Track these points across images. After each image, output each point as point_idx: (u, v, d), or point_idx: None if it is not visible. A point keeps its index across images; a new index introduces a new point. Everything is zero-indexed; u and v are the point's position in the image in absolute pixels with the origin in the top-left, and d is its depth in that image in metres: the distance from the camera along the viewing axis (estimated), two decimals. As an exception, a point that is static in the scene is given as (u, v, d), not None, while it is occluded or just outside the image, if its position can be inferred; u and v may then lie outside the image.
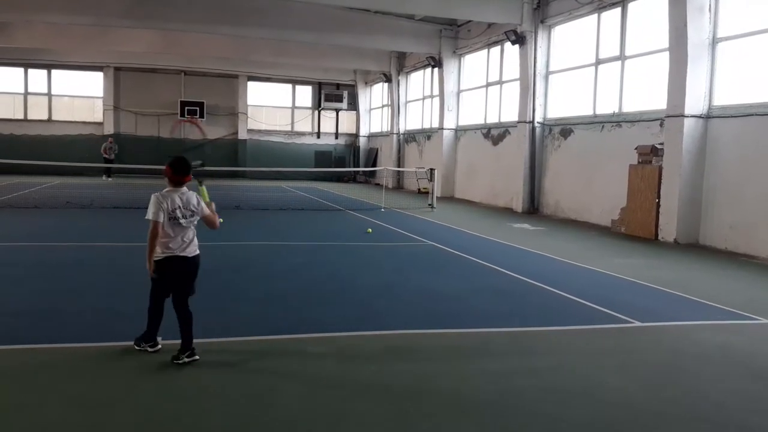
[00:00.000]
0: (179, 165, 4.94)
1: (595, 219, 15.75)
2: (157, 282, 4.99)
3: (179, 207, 4.86)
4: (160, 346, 5.13)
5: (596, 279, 8.90)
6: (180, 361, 4.85)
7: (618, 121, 15.14)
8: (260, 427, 3.89)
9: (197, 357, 4.93)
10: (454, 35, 23.47)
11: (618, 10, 15.21)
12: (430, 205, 18.89)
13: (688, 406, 4.46)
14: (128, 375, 4.64)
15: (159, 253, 4.87)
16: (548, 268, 9.52)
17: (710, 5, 12.31)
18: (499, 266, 9.46)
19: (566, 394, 4.54)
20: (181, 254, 4.91)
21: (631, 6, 14.93)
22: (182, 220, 4.86)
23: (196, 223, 5.03)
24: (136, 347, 5.14)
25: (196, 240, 5.04)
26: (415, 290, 7.79)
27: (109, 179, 27.44)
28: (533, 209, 18.33)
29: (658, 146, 13.17)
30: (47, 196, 18.58)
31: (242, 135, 33.27)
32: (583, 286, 8.20)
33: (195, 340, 5.05)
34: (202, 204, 5.09)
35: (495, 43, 20.89)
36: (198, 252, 5.06)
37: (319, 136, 34.71)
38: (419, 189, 24.53)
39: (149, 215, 4.81)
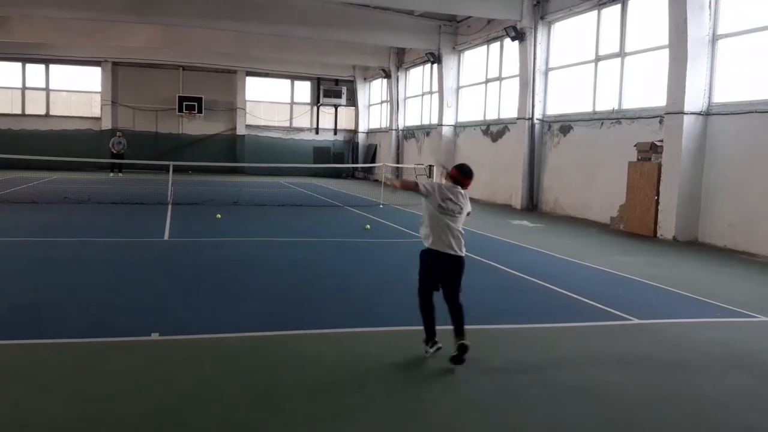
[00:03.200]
0: (465, 170, 5.26)
1: (594, 216, 15.74)
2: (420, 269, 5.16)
3: (450, 199, 5.01)
4: (440, 346, 5.05)
5: (595, 276, 8.89)
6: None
7: (617, 117, 15.12)
8: (260, 422, 3.87)
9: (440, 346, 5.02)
10: (454, 31, 23.41)
11: (618, 7, 15.17)
12: (429, 201, 18.83)
13: (688, 404, 4.45)
14: (127, 370, 4.62)
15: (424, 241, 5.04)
16: (547, 265, 9.51)
17: (710, 2, 12.28)
18: (497, 263, 9.45)
19: (565, 391, 4.53)
20: (437, 248, 4.99)
21: (631, 2, 14.89)
22: (449, 212, 4.97)
23: (460, 224, 5.06)
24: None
25: (461, 241, 5.03)
26: (414, 287, 7.75)
27: (113, 174, 27.13)
28: (532, 206, 18.31)
29: (658, 143, 13.15)
30: (45, 191, 18.52)
31: (240, 131, 33.20)
32: (582, 284, 8.19)
33: (189, 336, 5.01)
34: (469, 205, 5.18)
35: (494, 39, 20.83)
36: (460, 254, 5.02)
37: (317, 132, 34.65)
38: (418, 185, 24.47)
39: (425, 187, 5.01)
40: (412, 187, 5.15)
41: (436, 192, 4.99)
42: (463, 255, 5.05)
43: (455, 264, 5.03)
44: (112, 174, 27.41)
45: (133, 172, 28.63)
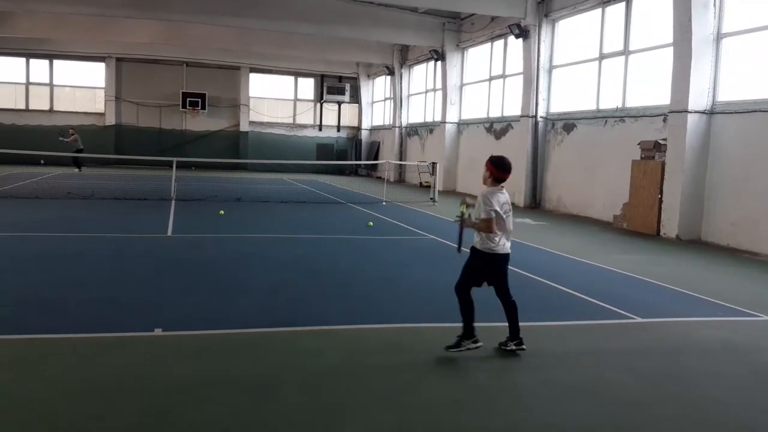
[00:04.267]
0: (502, 163, 5.11)
1: (597, 214, 15.73)
2: (473, 272, 5.12)
3: (506, 203, 5.06)
4: (480, 343, 5.15)
5: (598, 274, 8.89)
6: (507, 348, 5.15)
7: (621, 116, 15.09)
8: (260, 418, 3.88)
9: (524, 347, 5.15)
10: (458, 28, 23.38)
11: (622, 5, 15.14)
12: (431, 199, 18.86)
13: (689, 403, 4.45)
14: (130, 365, 4.63)
15: (482, 244, 5.03)
16: (550, 263, 9.51)
17: (715, 0, 12.24)
18: (500, 261, 9.42)
19: (566, 390, 4.53)
20: (502, 251, 5.09)
21: (635, 0, 14.85)
22: (507, 217, 5.03)
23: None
24: (453, 350, 5.06)
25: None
26: (416, 284, 7.78)
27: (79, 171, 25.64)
28: (535, 204, 18.29)
29: (661, 142, 13.13)
30: (48, 187, 18.57)
31: (244, 127, 33.23)
32: (585, 282, 8.19)
33: (192, 332, 5.03)
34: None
35: (498, 37, 20.80)
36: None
37: (321, 129, 34.65)
38: (421, 183, 24.49)
39: (484, 214, 4.94)
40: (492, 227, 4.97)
41: (500, 208, 5.00)
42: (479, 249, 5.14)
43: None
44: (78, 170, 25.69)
45: (136, 169, 28.67)
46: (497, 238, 5.02)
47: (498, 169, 5.10)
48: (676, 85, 12.70)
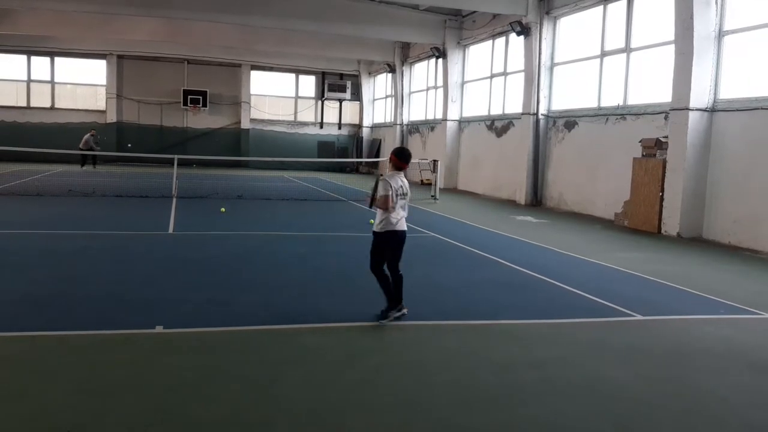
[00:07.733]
0: (403, 154, 6.04)
1: (598, 212, 15.72)
2: (377, 251, 6.09)
3: (401, 186, 5.89)
4: (406, 310, 6.02)
5: (599, 272, 8.88)
6: (387, 319, 5.80)
7: (622, 113, 15.07)
8: (262, 415, 3.89)
9: (405, 311, 5.93)
10: (459, 26, 23.35)
11: (624, 2, 15.10)
12: (432, 196, 18.85)
13: (690, 400, 4.45)
14: (131, 362, 4.64)
15: (382, 226, 5.92)
16: (551, 261, 9.50)
17: (717, -2, 12.23)
18: (501, 258, 9.45)
19: (568, 387, 4.54)
20: (399, 228, 5.94)
21: (637, -2, 14.84)
22: (401, 200, 5.88)
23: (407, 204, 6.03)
24: (383, 321, 5.83)
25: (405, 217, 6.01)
26: (417, 282, 7.77)
27: (93, 168, 26.10)
28: (536, 201, 18.29)
29: (663, 139, 13.11)
30: (50, 184, 18.58)
31: (245, 124, 33.22)
32: (586, 279, 8.19)
33: (193, 329, 5.05)
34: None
35: (500, 34, 20.78)
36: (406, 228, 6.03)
37: (322, 127, 34.64)
38: (422, 180, 24.47)
39: (382, 192, 5.82)
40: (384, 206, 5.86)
41: (395, 192, 5.85)
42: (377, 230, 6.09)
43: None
44: (94, 167, 26.21)
45: (137, 166, 28.66)
46: (393, 219, 5.84)
47: (399, 160, 5.97)
48: (677, 82, 12.68)
